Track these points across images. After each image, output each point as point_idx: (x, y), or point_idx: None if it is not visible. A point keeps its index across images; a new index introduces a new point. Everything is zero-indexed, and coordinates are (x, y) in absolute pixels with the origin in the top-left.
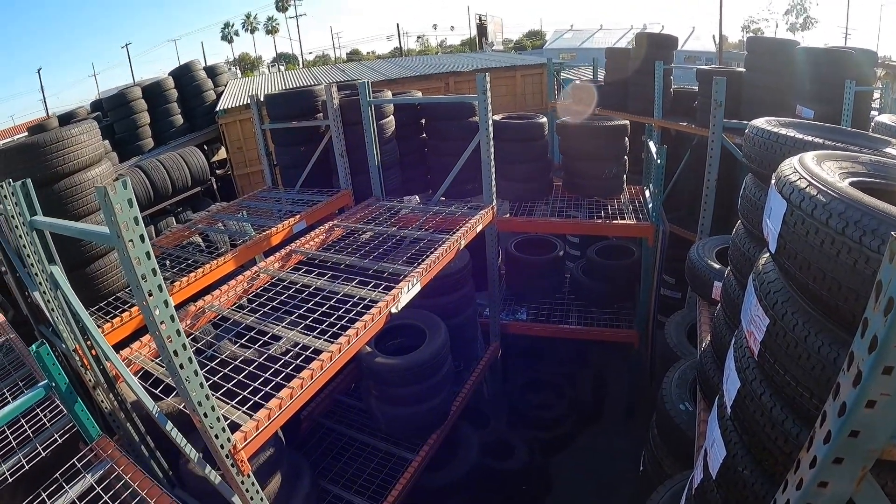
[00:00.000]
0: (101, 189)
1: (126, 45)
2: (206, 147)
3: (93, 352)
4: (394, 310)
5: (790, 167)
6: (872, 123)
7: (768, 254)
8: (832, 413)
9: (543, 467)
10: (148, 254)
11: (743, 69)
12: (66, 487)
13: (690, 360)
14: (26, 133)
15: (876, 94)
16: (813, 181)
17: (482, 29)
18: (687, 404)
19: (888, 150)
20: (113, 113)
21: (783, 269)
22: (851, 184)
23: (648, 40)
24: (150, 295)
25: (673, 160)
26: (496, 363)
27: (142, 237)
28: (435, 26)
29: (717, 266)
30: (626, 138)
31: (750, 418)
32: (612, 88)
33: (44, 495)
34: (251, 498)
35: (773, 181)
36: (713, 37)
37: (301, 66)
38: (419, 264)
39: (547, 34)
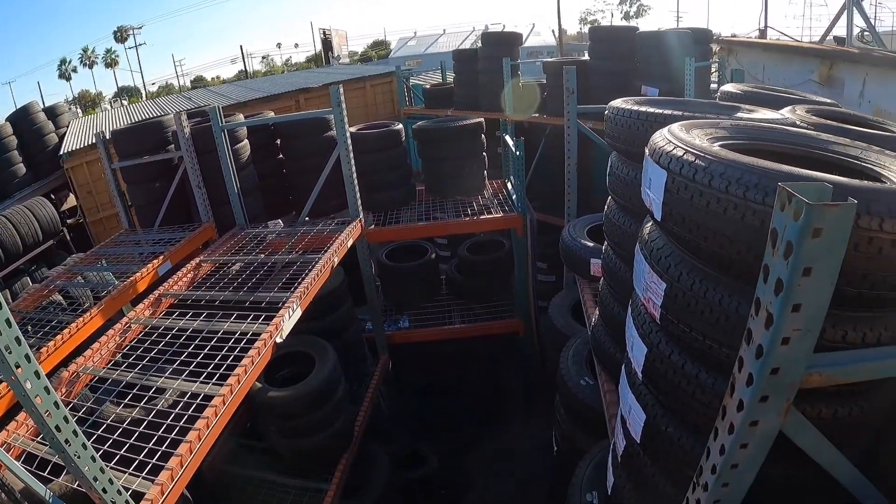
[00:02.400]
0: None
1: None
2: (52, 196)
3: None
4: (279, 339)
5: (663, 139)
6: (719, 92)
7: (652, 222)
8: (749, 357)
9: (458, 468)
10: (8, 321)
11: (587, 58)
12: None
13: (581, 336)
14: None
15: (713, 68)
16: (688, 148)
17: (327, 43)
18: (587, 379)
19: (741, 114)
20: None
21: (672, 233)
22: (721, 147)
23: (494, 39)
24: (19, 368)
25: (528, 151)
26: (388, 376)
27: None
28: (279, 45)
29: (591, 244)
30: (483, 136)
31: (663, 378)
32: (463, 89)
33: None
34: None
35: (647, 154)
36: (552, 31)
37: (144, 97)
38: (296, 288)
39: (392, 43)
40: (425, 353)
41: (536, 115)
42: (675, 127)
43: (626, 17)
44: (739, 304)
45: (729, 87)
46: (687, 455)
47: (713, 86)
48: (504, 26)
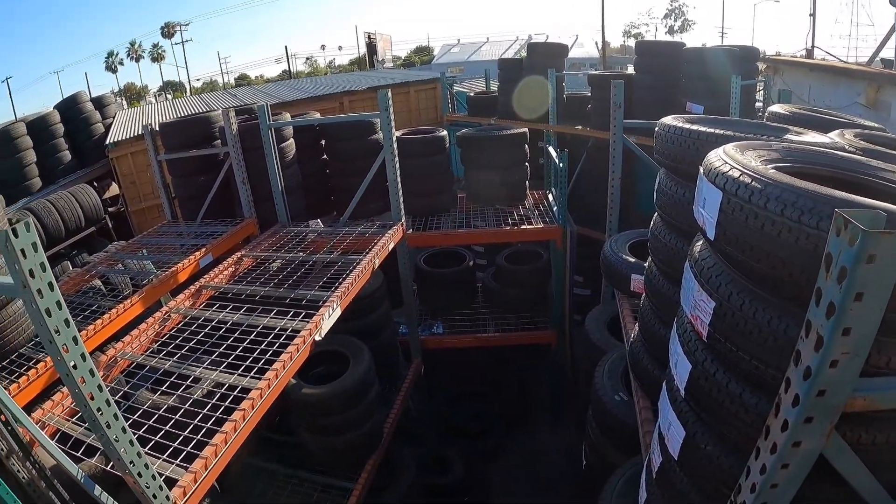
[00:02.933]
0: (2, 234)
1: (6, 79)
2: (96, 184)
3: (1, 417)
4: (317, 337)
5: (719, 159)
6: (767, 113)
7: (702, 241)
8: (797, 378)
9: (482, 476)
10: (59, 303)
11: (632, 71)
12: None
13: (617, 352)
14: None
15: (759, 87)
16: (745, 170)
17: (372, 47)
18: (622, 395)
19: (789, 136)
20: None
21: (724, 253)
22: (775, 169)
23: (540, 49)
24: (66, 349)
25: (570, 163)
26: (420, 380)
27: (51, 285)
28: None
29: (632, 260)
30: (526, 145)
31: (706, 396)
32: (507, 98)
33: None
34: None
35: (702, 173)
36: (596, 43)
37: (189, 93)
38: (337, 288)
39: (435, 49)
40: (458, 360)
41: (580, 127)
42: (730, 148)
43: (671, 31)
44: (788, 325)
45: (777, 108)
46: (724, 473)
47: (758, 105)
48: (548, 37)
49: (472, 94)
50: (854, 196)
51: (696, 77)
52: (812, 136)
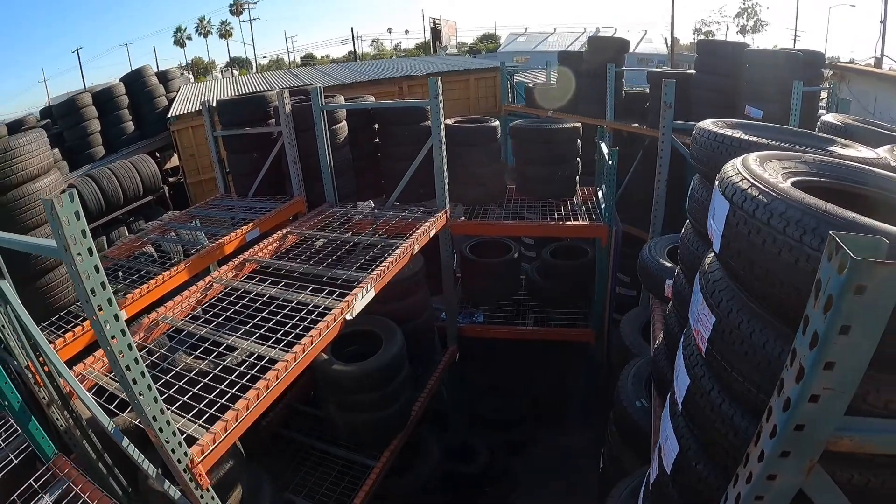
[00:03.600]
0: (48, 202)
1: (77, 49)
2: (158, 154)
3: (45, 368)
4: (349, 316)
5: (733, 168)
6: (819, 123)
7: (713, 253)
8: (777, 408)
9: (506, 469)
10: (97, 267)
11: (693, 71)
12: None
13: (645, 357)
14: None
15: (823, 94)
16: (755, 182)
17: (436, 32)
18: (643, 401)
19: (833, 148)
20: (63, 120)
21: (728, 267)
22: (794, 183)
23: (600, 43)
24: (101, 309)
25: (626, 161)
26: (454, 366)
27: (90, 250)
28: (390, 30)
29: (668, 264)
30: (579, 140)
31: (700, 414)
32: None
33: None
34: None
35: (716, 182)
36: (665, 39)
37: (254, 70)
38: (373, 270)
39: (501, 37)
40: (495, 350)
41: (636, 125)
42: (751, 157)
43: (742, 31)
44: (783, 350)
45: (829, 118)
46: (712, 494)
47: (821, 113)
48: (616, 30)
49: (531, 85)
50: (867, 220)
51: (758, 80)
52: (857, 151)
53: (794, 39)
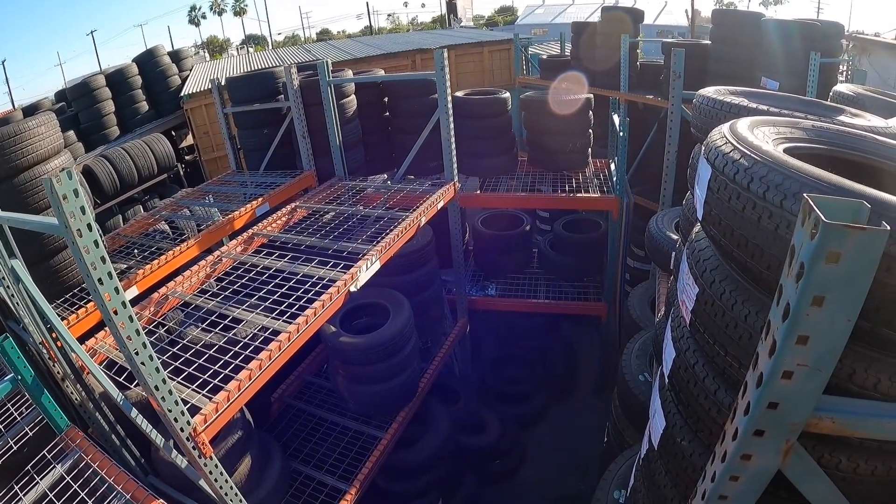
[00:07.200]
0: (48, 181)
1: (91, 32)
2: (173, 133)
3: (58, 344)
4: (353, 288)
5: (719, 133)
6: (831, 92)
7: (698, 222)
8: (751, 383)
9: (515, 442)
10: (96, 242)
11: (708, 42)
12: (38, 479)
13: (652, 330)
14: None
15: (842, 67)
16: (738, 145)
17: (452, 5)
18: (646, 375)
19: (841, 117)
20: (77, 102)
21: (710, 236)
22: (788, 149)
23: (615, 14)
24: (101, 283)
25: (641, 133)
26: (465, 339)
27: (89, 226)
28: (406, 4)
29: (675, 237)
30: (591, 112)
31: (685, 388)
32: (579, 62)
33: (16, 488)
34: (215, 480)
35: (703, 147)
36: (686, 11)
37: (270, 47)
38: (378, 242)
39: (519, 10)
40: (507, 324)
41: (651, 96)
42: (742, 121)
43: (765, 3)
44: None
45: (841, 88)
46: (696, 472)
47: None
48: (636, 2)
49: (545, 57)
50: (854, 184)
51: (775, 51)
52: (865, 119)
53: (818, 11)
